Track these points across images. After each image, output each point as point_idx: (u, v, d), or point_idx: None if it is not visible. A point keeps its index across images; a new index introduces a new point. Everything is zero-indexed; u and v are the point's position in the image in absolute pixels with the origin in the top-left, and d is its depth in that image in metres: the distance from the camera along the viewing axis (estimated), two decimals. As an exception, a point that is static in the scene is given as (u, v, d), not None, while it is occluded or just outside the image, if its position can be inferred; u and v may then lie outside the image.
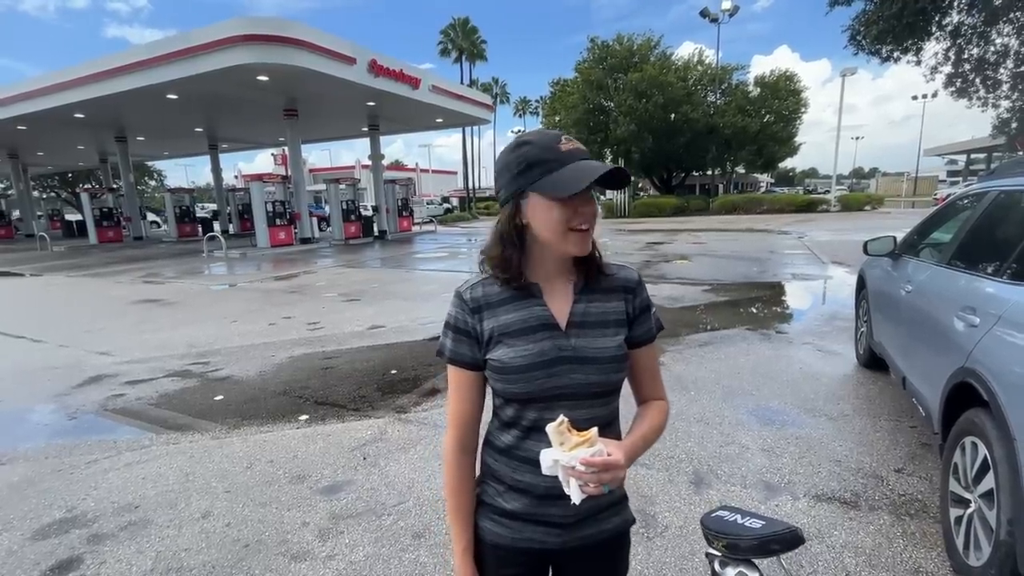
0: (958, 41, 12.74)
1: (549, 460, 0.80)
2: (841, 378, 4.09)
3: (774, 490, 2.58)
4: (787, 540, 0.87)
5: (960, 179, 43.40)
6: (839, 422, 3.30)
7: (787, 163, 40.75)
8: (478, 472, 1.03)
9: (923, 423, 3.13)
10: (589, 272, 0.95)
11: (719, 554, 0.93)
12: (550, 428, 0.80)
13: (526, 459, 0.93)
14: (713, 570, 0.93)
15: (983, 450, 1.85)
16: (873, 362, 4.02)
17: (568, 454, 0.78)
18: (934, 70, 13.45)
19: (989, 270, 2.26)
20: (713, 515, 0.98)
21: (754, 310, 6.55)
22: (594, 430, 0.82)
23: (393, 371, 4.66)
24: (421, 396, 4.05)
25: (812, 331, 5.45)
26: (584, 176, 0.82)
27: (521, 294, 0.93)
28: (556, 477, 0.81)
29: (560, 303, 0.93)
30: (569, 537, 0.96)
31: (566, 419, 0.80)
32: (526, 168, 0.85)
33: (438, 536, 2.31)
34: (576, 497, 0.79)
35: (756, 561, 0.91)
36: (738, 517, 0.95)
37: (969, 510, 1.94)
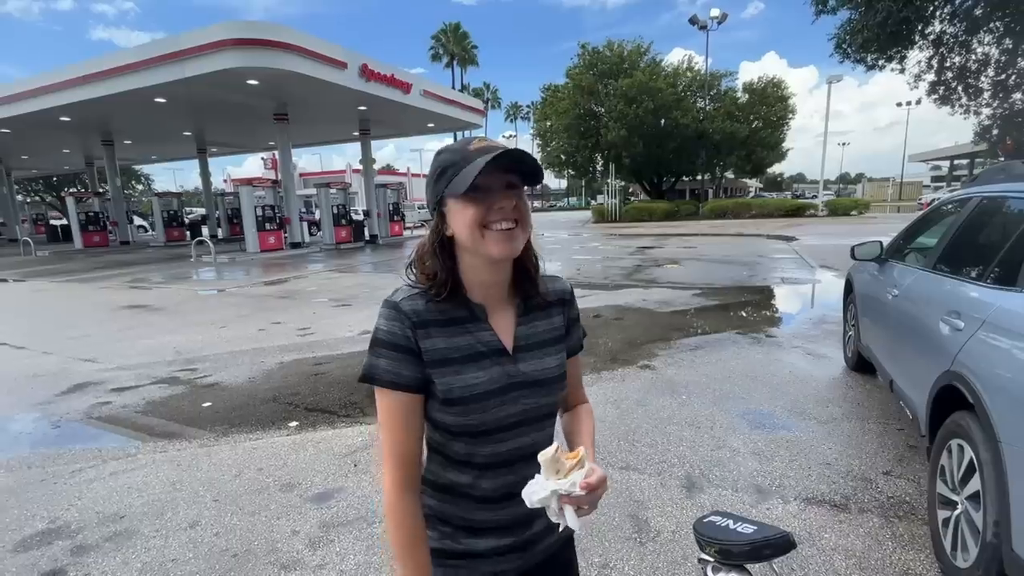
0: (940, 50, 13.00)
1: (543, 492, 0.73)
2: (830, 381, 4.14)
3: (765, 493, 2.60)
4: (779, 545, 0.88)
5: (944, 184, 44.19)
6: (828, 425, 3.33)
7: (775, 168, 41.25)
8: None
9: (910, 426, 3.17)
10: (527, 290, 0.91)
11: (712, 560, 0.94)
12: (544, 457, 0.74)
13: (484, 498, 0.88)
14: (706, 576, 0.93)
15: (969, 452, 1.88)
16: (861, 365, 4.06)
17: (566, 481, 0.72)
18: (917, 78, 13.71)
19: (973, 275, 2.30)
20: (705, 520, 0.98)
21: (744, 314, 6.60)
22: (581, 449, 0.77)
23: (384, 377, 4.63)
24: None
25: (801, 335, 5.50)
26: (479, 165, 0.75)
27: (466, 316, 0.86)
28: (524, 508, 0.75)
29: (504, 326, 0.89)
30: (525, 559, 0.93)
31: (559, 445, 0.76)
32: (440, 174, 0.81)
33: (430, 543, 2.29)
34: (574, 524, 0.73)
35: (748, 566, 0.91)
36: (730, 522, 0.95)
37: (956, 512, 1.96)
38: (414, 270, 0.87)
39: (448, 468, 0.89)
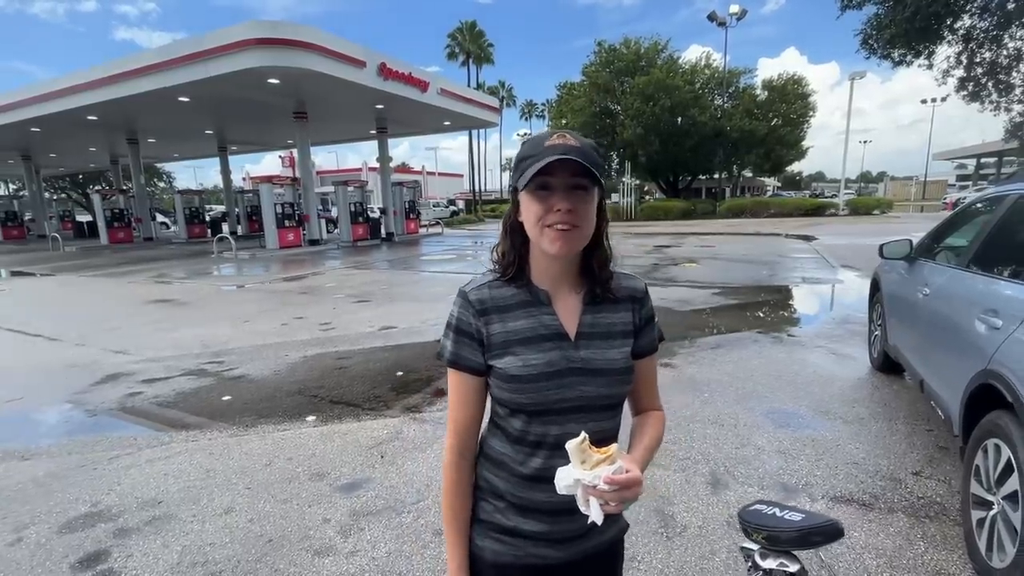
0: (970, 45, 12.68)
1: (569, 479, 0.75)
2: (855, 381, 4.09)
3: (792, 491, 2.59)
4: (828, 532, 0.89)
5: (970, 183, 43.05)
6: (854, 425, 3.29)
7: (794, 167, 40.55)
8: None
9: (939, 426, 3.12)
10: (597, 281, 0.92)
11: (757, 547, 0.95)
12: (571, 446, 0.75)
13: (533, 477, 0.89)
14: (753, 563, 0.94)
15: (1007, 452, 1.86)
16: (887, 366, 4.01)
17: (590, 473, 0.74)
18: (946, 74, 13.39)
19: (1011, 273, 2.26)
20: (751, 508, 1.00)
21: (765, 313, 6.54)
22: (615, 446, 0.78)
23: (406, 371, 4.69)
24: (435, 396, 4.08)
25: (824, 334, 5.44)
26: (542, 164, 0.79)
27: (530, 300, 0.90)
28: (566, 495, 0.77)
29: (568, 312, 0.91)
30: (572, 551, 0.93)
31: (587, 436, 0.77)
32: (517, 164, 0.86)
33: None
34: (597, 516, 0.74)
35: (796, 553, 0.92)
36: (776, 510, 0.97)
37: (992, 512, 1.94)
38: (495, 252, 0.94)
39: (505, 444, 0.93)
